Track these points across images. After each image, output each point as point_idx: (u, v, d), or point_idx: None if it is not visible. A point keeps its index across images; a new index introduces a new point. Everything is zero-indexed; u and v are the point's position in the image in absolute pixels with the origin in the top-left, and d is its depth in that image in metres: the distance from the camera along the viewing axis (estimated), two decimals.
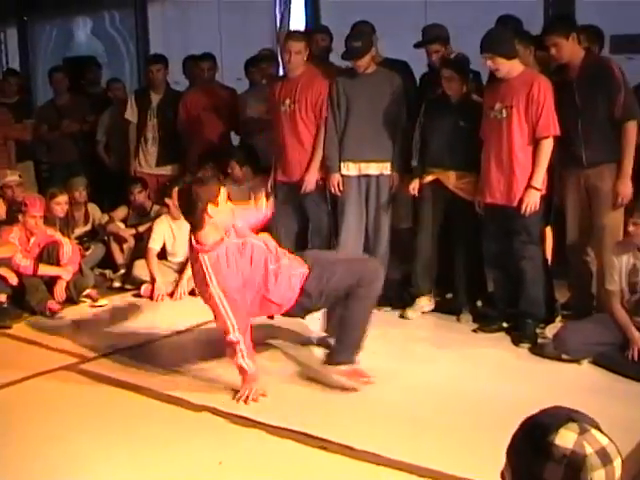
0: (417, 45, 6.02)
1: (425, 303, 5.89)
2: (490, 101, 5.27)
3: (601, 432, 1.50)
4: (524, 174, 5.14)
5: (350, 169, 6.03)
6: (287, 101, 6.19)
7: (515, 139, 5.14)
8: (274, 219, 6.35)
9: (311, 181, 6.17)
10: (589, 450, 1.44)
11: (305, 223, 6.52)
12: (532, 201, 5.11)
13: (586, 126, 5.10)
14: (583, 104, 5.09)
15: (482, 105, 5.39)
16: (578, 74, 5.11)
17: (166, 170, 7.71)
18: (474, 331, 5.47)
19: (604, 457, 1.45)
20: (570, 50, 5.07)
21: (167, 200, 6.75)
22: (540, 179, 5.12)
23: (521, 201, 5.13)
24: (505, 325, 5.47)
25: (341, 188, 6.05)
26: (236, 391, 4.39)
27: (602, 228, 5.15)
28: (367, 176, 6.02)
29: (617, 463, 1.47)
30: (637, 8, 6.89)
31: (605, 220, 5.15)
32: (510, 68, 5.13)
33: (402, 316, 5.83)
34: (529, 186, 5.12)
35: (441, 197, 5.68)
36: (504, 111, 5.15)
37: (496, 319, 5.49)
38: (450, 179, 5.61)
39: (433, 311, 5.94)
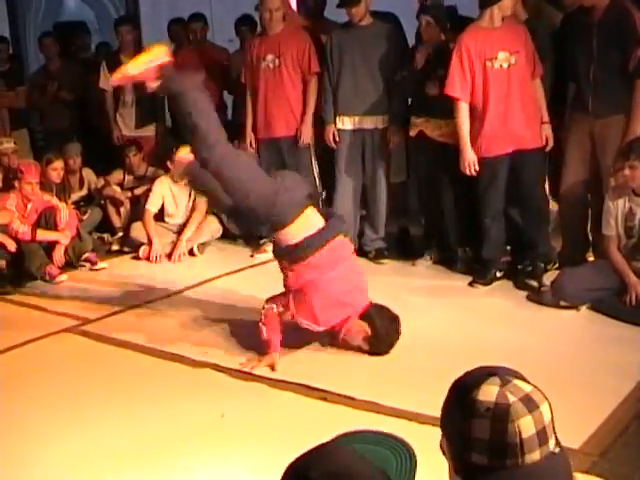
0: None
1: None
2: (489, 53, 5.13)
3: (525, 381, 1.46)
4: (538, 113, 5.22)
5: (345, 123, 6.01)
6: (269, 57, 6.16)
7: (526, 82, 5.16)
8: None
9: (307, 133, 6.15)
10: (512, 399, 1.41)
11: None
12: (551, 134, 5.24)
13: (598, 74, 5.03)
14: (600, 50, 5.00)
15: None
16: (600, 18, 4.98)
17: (146, 131, 7.68)
18: (470, 284, 5.46)
19: (529, 403, 1.41)
20: None
21: (169, 163, 6.75)
22: (546, 113, 5.25)
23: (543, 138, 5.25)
24: (499, 274, 5.49)
25: (337, 139, 6.03)
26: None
27: (609, 173, 5.08)
28: (362, 130, 6.00)
29: (544, 408, 1.43)
30: None
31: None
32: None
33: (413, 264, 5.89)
34: (544, 123, 5.22)
35: (427, 148, 5.68)
36: (513, 58, 5.11)
37: (490, 269, 5.50)
38: (429, 129, 5.59)
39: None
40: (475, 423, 1.41)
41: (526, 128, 5.20)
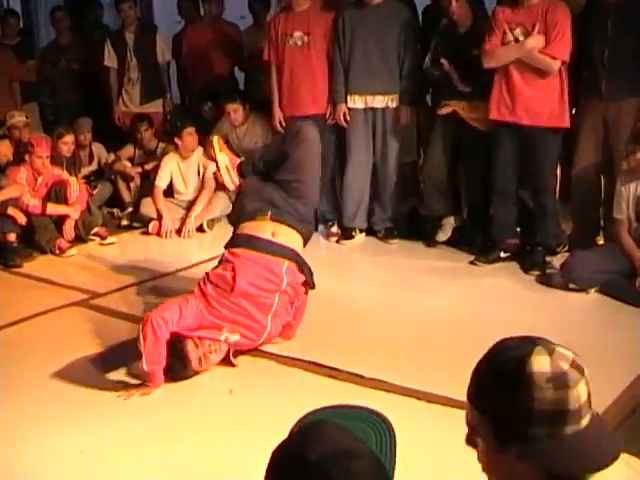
0: None
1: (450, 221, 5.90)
2: (509, 26, 5.11)
3: (563, 347, 1.45)
4: (551, 92, 5.10)
5: (356, 102, 5.99)
6: (297, 34, 6.11)
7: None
8: None
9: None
10: (565, 366, 1.40)
11: None
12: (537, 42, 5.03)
13: (613, 57, 4.99)
14: (615, 33, 4.97)
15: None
16: (617, 1, 4.97)
17: (151, 107, 7.68)
18: (472, 263, 5.45)
19: (578, 368, 1.41)
20: None
21: (176, 140, 6.76)
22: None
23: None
24: (503, 255, 5.47)
25: (347, 119, 6.02)
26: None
27: (622, 156, 5.04)
28: (373, 109, 5.97)
29: (586, 371, 1.44)
30: None
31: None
32: None
33: (429, 245, 5.85)
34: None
35: (454, 129, 5.65)
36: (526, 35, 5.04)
37: (494, 249, 5.49)
38: (465, 110, 5.54)
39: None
40: (535, 396, 1.39)
41: (539, 103, 5.12)
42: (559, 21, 4.97)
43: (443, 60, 5.48)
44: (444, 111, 5.64)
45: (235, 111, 6.81)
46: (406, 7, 6.01)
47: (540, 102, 5.12)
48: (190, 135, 6.76)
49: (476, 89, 5.42)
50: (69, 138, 6.82)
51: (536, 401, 1.39)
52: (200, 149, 6.87)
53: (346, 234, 6.19)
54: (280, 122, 6.30)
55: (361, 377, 3.82)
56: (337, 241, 6.18)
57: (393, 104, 5.93)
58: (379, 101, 5.95)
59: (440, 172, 5.80)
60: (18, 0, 11.95)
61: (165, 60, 7.75)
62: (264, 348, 4.17)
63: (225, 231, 6.57)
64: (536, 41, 5.02)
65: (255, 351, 4.16)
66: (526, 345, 1.44)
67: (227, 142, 6.95)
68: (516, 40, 5.08)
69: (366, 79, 5.93)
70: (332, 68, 6.09)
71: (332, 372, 3.89)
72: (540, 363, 1.41)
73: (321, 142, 6.19)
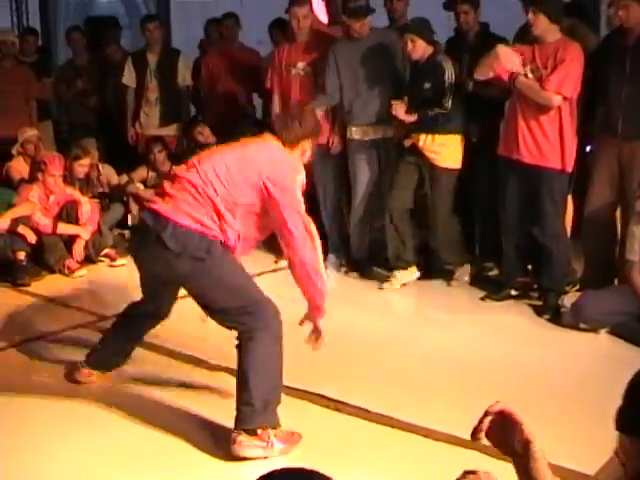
0: (446, 5, 5.94)
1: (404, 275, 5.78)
2: (524, 60, 5.07)
3: None
4: (553, 132, 5.05)
5: (354, 133, 6.00)
6: (300, 64, 6.17)
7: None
8: None
9: (338, 142, 6.13)
10: None
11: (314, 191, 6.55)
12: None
13: (630, 96, 4.99)
14: (632, 73, 4.97)
15: (444, 67, 5.40)
16: (636, 41, 4.97)
17: (168, 130, 7.68)
18: (482, 299, 5.43)
19: None
20: (638, 15, 4.92)
21: None
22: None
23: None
24: (514, 293, 5.44)
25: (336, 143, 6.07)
26: None
27: (635, 197, 4.99)
28: (372, 140, 5.97)
29: None
30: None
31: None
32: (546, 31, 5.00)
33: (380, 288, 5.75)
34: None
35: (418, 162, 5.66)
36: (536, 72, 5.02)
37: (505, 287, 5.46)
38: (424, 143, 5.56)
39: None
40: None
41: (541, 143, 5.07)
42: (566, 59, 4.95)
43: (394, 102, 5.57)
44: (407, 143, 5.65)
45: None
46: (393, 36, 5.98)
47: (542, 142, 5.08)
48: None
49: (423, 120, 5.47)
50: (85, 161, 6.84)
51: None
52: None
53: (355, 266, 6.16)
54: None
55: (367, 411, 3.79)
56: (346, 272, 6.15)
57: (389, 134, 5.92)
58: (375, 132, 5.96)
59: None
60: (37, 18, 12.09)
61: (185, 84, 7.76)
62: None
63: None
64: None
65: None
66: None
67: None
68: (525, 75, 5.05)
69: (360, 111, 5.95)
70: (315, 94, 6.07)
71: (338, 405, 3.88)
72: None
73: (323, 171, 6.22)
